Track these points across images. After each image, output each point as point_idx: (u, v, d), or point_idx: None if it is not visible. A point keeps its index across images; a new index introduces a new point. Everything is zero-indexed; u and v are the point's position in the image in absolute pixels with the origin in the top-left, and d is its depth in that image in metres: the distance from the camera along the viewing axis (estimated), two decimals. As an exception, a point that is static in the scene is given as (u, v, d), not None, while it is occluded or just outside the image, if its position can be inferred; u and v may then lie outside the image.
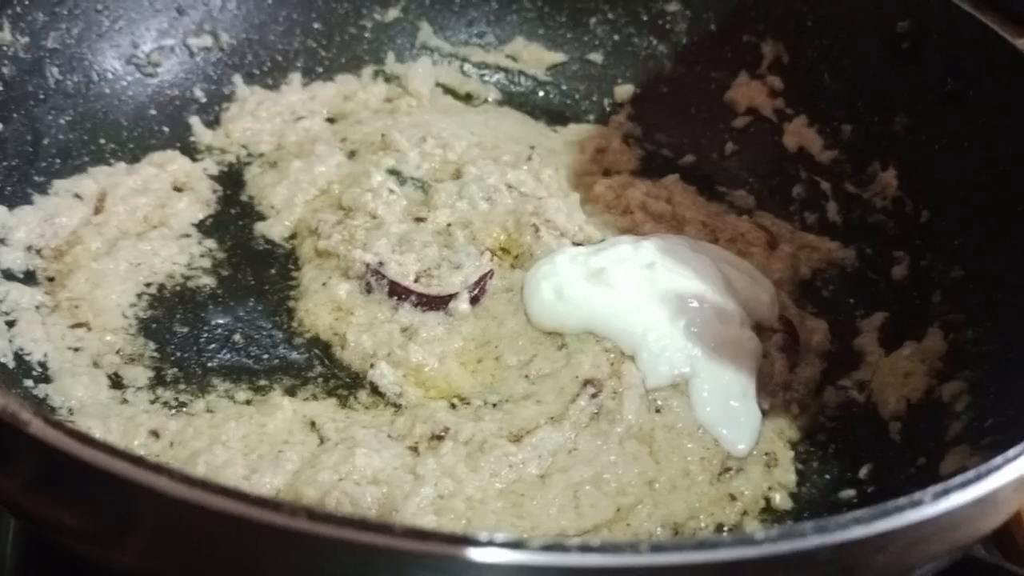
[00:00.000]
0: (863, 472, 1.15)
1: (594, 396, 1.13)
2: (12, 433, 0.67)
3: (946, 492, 0.69)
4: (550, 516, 1.02)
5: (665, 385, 1.15)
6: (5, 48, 1.28)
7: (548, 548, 0.61)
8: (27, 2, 1.30)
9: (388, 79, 1.66)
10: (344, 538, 0.61)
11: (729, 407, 1.15)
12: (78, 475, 0.67)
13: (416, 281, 1.25)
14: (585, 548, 0.61)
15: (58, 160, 1.34)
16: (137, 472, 0.63)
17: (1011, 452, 0.73)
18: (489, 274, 1.26)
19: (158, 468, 0.63)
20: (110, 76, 1.44)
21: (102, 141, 1.41)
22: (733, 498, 1.10)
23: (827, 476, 1.16)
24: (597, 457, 1.08)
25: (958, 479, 0.70)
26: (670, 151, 1.62)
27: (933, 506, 0.68)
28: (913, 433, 1.16)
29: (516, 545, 0.61)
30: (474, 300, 1.24)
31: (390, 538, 0.61)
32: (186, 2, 1.52)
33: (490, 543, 0.61)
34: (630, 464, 1.08)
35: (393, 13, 1.67)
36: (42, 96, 1.34)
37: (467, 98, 1.69)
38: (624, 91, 1.67)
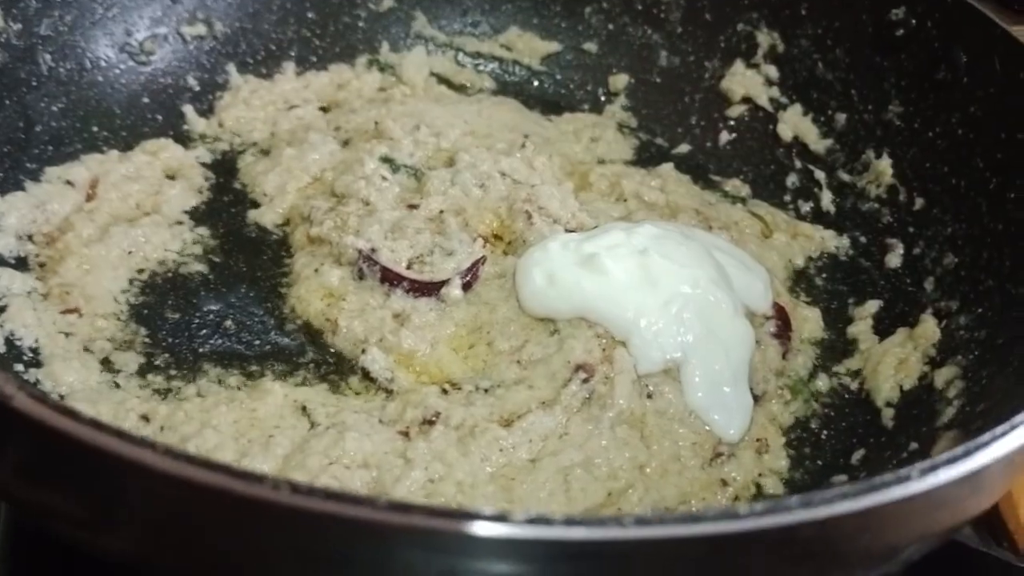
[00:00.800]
0: (855, 458, 1.15)
1: (585, 381, 1.12)
2: (-4, 408, 0.67)
3: (934, 468, 0.68)
4: (540, 500, 1.02)
5: (657, 371, 1.15)
6: (-2, 34, 1.28)
7: (533, 521, 0.61)
8: (20, -12, 1.30)
9: (382, 68, 1.65)
10: (328, 511, 0.61)
11: (721, 393, 1.15)
12: (63, 450, 0.67)
13: (408, 267, 1.25)
14: (570, 522, 0.61)
15: (50, 147, 1.34)
16: (121, 446, 0.63)
17: (999, 429, 0.73)
18: (481, 260, 1.26)
19: (142, 442, 0.63)
20: (103, 64, 1.44)
21: (94, 128, 1.41)
22: (724, 483, 1.10)
23: (819, 462, 1.16)
24: (588, 441, 1.08)
25: (946, 455, 0.70)
26: (664, 140, 1.62)
27: (920, 482, 0.68)
28: (906, 419, 1.16)
29: (501, 519, 0.61)
30: (466, 286, 1.24)
31: (374, 511, 0.61)
32: (180, -11, 1.52)
33: (476, 516, 0.61)
34: (621, 449, 1.08)
35: (387, 3, 1.66)
36: (34, 83, 1.34)
37: (461, 88, 1.68)
38: (618, 80, 1.66)
